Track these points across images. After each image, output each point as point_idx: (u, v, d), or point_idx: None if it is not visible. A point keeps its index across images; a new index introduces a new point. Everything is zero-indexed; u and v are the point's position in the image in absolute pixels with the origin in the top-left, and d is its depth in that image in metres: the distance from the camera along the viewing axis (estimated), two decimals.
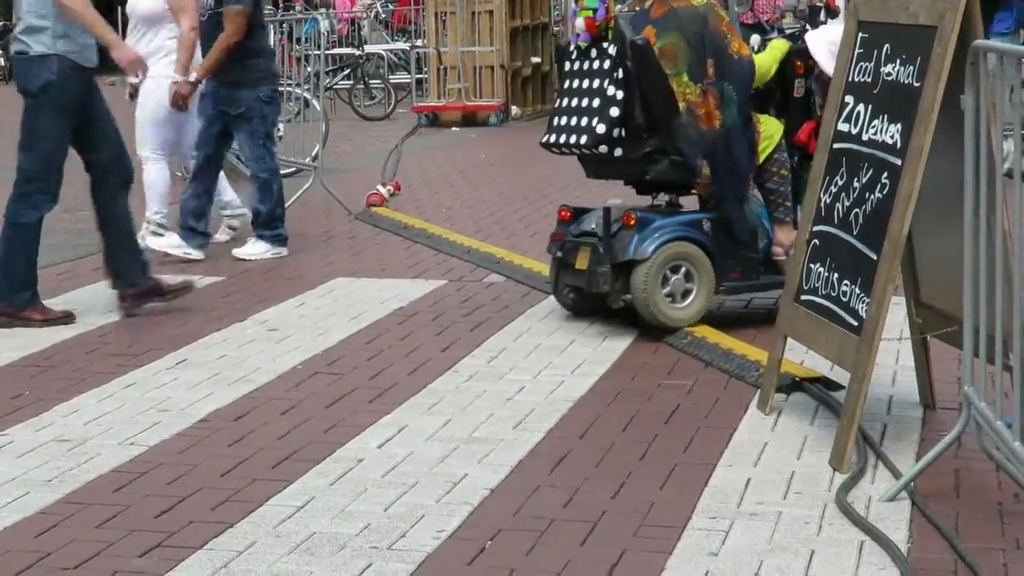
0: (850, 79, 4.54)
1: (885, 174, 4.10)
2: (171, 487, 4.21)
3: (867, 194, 4.21)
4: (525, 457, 4.46)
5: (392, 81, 16.41)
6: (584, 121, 6.11)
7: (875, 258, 4.08)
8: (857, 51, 4.53)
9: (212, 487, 4.20)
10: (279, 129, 11.22)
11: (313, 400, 5.13)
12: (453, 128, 14.58)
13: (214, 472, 4.34)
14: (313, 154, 10.73)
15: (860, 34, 4.54)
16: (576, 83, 6.30)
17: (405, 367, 5.57)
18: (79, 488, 4.22)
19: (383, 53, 16.72)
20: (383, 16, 19.06)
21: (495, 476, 4.26)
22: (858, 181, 4.29)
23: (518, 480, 4.25)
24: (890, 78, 4.21)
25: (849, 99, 4.51)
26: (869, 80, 4.37)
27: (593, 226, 6.09)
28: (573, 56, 6.38)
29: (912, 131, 3.93)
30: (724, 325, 6.06)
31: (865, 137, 4.32)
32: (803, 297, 4.60)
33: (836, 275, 4.35)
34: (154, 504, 4.04)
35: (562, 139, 6.26)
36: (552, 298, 6.48)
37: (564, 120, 6.30)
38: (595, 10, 6.15)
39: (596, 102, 6.07)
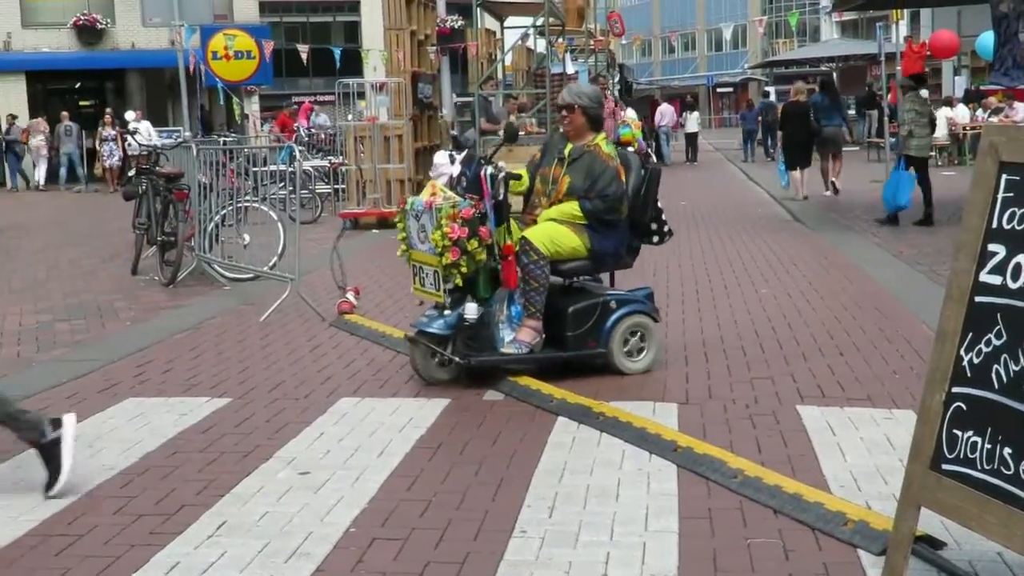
0: (995, 226, 3.99)
1: None
2: None
3: None
4: None
5: (317, 191, 19.51)
6: None
7: None
8: (1003, 195, 4.01)
9: None
10: (244, 238, 10.91)
11: None
12: (373, 231, 16.78)
13: None
14: (271, 263, 11.11)
15: (1005, 176, 4.02)
16: None
17: (464, 528, 4.74)
18: None
19: (309, 169, 19.47)
20: (305, 139, 24.58)
21: None
22: None
23: None
24: None
25: (998, 248, 3.96)
26: None
27: None
28: None
29: None
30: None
31: None
32: (946, 467, 3.98)
33: (1008, 450, 3.74)
34: None
35: None
36: (561, 420, 6.26)
37: None
38: None
39: None
